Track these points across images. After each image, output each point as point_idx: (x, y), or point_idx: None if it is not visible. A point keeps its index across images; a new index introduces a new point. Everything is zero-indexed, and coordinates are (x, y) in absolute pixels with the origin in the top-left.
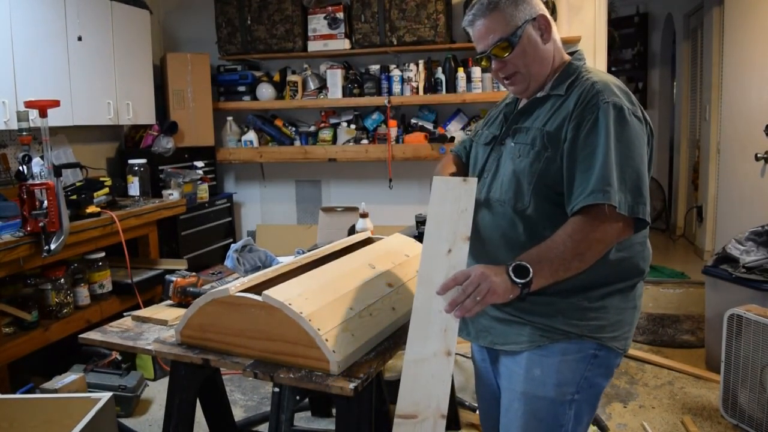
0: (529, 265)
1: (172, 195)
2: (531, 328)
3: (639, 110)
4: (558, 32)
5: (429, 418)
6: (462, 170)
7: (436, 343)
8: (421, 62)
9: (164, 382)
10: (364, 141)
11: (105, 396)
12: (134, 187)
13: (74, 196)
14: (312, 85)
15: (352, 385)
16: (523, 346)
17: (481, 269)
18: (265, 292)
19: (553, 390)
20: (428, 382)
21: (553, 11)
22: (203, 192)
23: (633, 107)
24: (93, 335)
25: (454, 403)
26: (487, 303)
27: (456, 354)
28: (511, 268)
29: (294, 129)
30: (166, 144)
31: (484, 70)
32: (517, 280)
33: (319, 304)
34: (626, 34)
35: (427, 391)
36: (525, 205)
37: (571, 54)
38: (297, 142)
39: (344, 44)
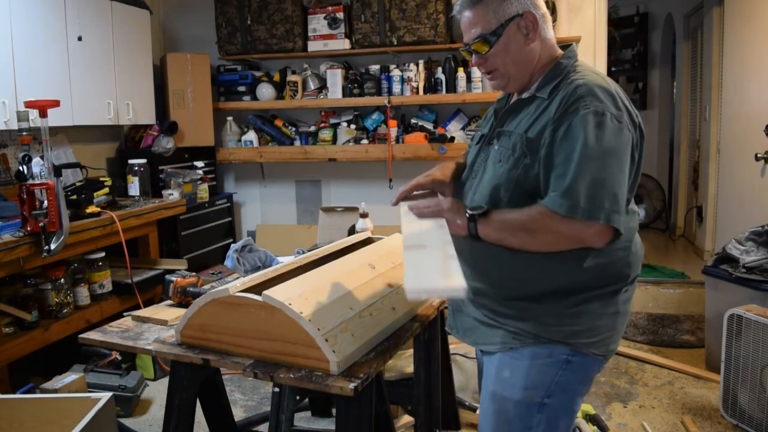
0: (485, 207)
1: (172, 195)
2: (504, 331)
3: (625, 114)
4: (555, 30)
5: (438, 248)
6: (458, 174)
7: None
8: (421, 62)
9: (164, 382)
10: (364, 141)
11: (105, 396)
12: (134, 187)
13: (74, 196)
14: (312, 85)
15: (352, 385)
16: (496, 347)
17: (439, 199)
18: (265, 292)
19: (521, 392)
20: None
21: (553, 11)
22: (203, 192)
23: (618, 112)
24: (93, 335)
25: (454, 403)
26: (435, 212)
27: (456, 354)
28: (470, 206)
29: (294, 129)
30: (166, 144)
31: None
32: (469, 211)
33: (319, 304)
34: (626, 34)
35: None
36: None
37: (570, 52)
38: (297, 142)
39: (344, 44)
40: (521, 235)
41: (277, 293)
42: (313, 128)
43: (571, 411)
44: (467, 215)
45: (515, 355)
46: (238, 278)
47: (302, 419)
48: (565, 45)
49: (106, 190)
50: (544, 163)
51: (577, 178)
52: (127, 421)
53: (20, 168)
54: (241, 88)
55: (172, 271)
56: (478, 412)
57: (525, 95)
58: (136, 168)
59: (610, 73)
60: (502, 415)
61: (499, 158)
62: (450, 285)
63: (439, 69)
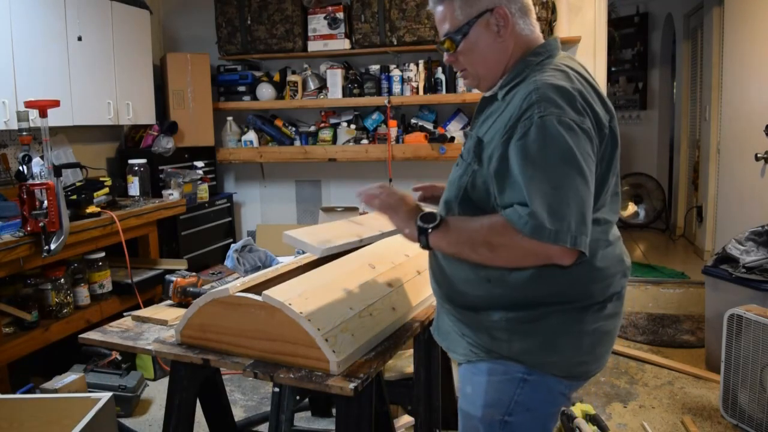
0: (438, 218)
1: (172, 195)
2: (465, 343)
3: (588, 119)
4: (555, 30)
5: None
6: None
7: None
8: (421, 62)
9: (164, 382)
10: (364, 141)
11: (105, 396)
12: (134, 187)
13: (74, 196)
14: (312, 85)
15: (352, 385)
16: (460, 357)
17: (397, 197)
18: (265, 292)
19: (481, 410)
20: None
21: (553, 11)
22: (203, 192)
23: (579, 117)
24: (93, 335)
25: (454, 403)
26: (381, 208)
27: None
28: (421, 215)
29: (294, 129)
30: (166, 144)
31: None
32: (420, 224)
33: (319, 304)
34: (626, 34)
35: None
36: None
37: (541, 48)
38: (297, 142)
39: (344, 44)
40: (482, 251)
41: (277, 293)
42: (313, 128)
43: (544, 427)
44: (417, 226)
45: (474, 370)
46: (238, 278)
47: (302, 419)
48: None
49: (106, 190)
50: (496, 176)
51: (540, 197)
52: (127, 421)
53: (20, 168)
54: (241, 88)
55: (172, 271)
56: None
57: (488, 94)
58: (136, 168)
59: (610, 73)
60: (473, 430)
61: (458, 162)
62: (313, 243)
63: (439, 69)
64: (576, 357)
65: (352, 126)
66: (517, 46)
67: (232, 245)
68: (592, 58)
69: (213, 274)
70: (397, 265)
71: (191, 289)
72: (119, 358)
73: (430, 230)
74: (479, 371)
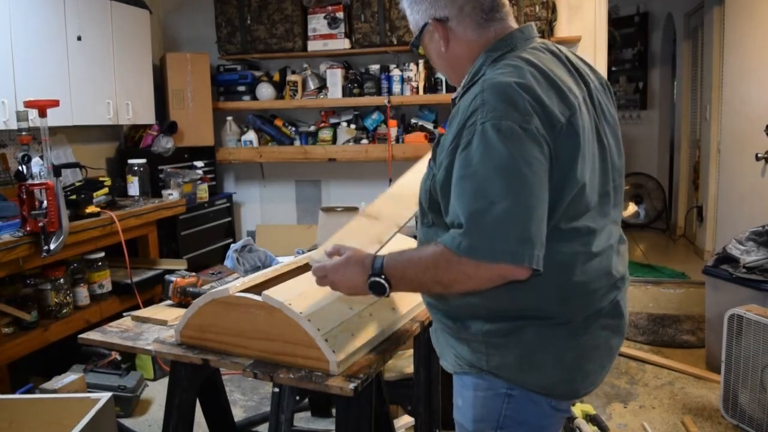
0: (387, 284)
1: (172, 195)
2: (451, 354)
3: (537, 118)
4: (555, 30)
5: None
6: None
7: None
8: (421, 62)
9: (164, 382)
10: (364, 141)
11: (105, 396)
12: (134, 187)
13: (74, 196)
14: (312, 84)
15: (352, 385)
16: (449, 367)
17: (342, 264)
18: (265, 292)
19: (471, 424)
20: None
21: (553, 11)
22: (203, 192)
23: (524, 118)
24: (93, 335)
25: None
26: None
27: None
28: (369, 282)
29: (294, 129)
30: (166, 144)
31: None
32: (372, 294)
33: (319, 304)
34: (626, 34)
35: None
36: (429, 222)
37: (500, 43)
38: (297, 142)
39: (344, 44)
40: (437, 289)
41: (277, 293)
42: (312, 128)
43: None
44: (368, 285)
45: (462, 383)
46: (237, 278)
47: (302, 419)
48: (504, 38)
49: (106, 190)
50: (441, 189)
51: (474, 214)
52: (126, 422)
53: (20, 168)
54: (241, 88)
55: (171, 271)
56: None
57: (453, 95)
58: (136, 168)
59: (610, 73)
60: None
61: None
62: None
63: None
64: (559, 375)
65: (352, 126)
66: (472, 47)
67: (232, 245)
68: (592, 58)
69: (213, 274)
70: None
71: (191, 289)
72: (119, 358)
73: (387, 295)
74: (466, 385)
